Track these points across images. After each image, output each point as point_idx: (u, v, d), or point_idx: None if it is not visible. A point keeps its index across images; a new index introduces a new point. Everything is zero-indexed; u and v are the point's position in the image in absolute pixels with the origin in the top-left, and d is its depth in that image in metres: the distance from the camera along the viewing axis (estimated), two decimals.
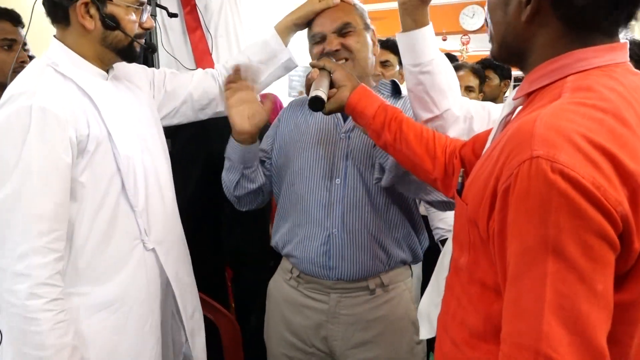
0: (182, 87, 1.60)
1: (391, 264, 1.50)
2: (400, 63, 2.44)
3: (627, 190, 0.67)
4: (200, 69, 1.69)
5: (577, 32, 0.80)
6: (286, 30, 1.63)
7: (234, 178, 1.57)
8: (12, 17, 1.57)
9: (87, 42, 1.29)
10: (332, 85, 1.31)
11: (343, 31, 1.46)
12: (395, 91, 1.59)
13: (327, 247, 1.48)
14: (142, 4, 1.32)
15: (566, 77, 0.80)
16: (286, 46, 1.65)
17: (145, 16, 1.35)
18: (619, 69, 0.79)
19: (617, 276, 0.69)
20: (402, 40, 1.32)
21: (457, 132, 1.33)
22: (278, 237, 1.60)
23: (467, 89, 2.85)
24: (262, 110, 1.51)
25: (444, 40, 8.83)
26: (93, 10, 1.25)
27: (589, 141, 0.67)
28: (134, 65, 1.51)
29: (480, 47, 8.12)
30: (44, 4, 1.27)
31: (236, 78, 1.54)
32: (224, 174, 1.61)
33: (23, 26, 1.60)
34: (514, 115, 0.93)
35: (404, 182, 1.39)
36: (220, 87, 1.64)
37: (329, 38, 1.46)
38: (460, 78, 2.64)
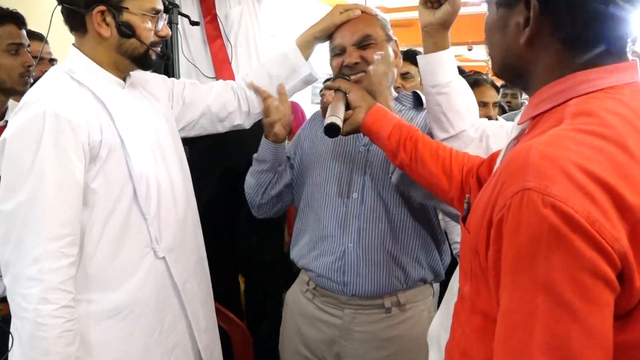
0: (201, 99, 1.59)
1: (409, 283, 1.46)
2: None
3: (627, 225, 0.62)
4: (220, 81, 1.69)
5: (579, 53, 0.76)
6: (307, 44, 1.62)
7: (267, 179, 1.58)
8: (17, 20, 1.56)
9: (103, 49, 1.29)
10: (347, 105, 1.31)
11: (363, 44, 1.43)
12: (417, 102, 1.56)
13: (342, 262, 1.45)
14: (157, 12, 1.32)
15: (568, 100, 0.75)
16: (307, 60, 1.64)
17: (161, 24, 1.34)
18: (626, 90, 0.74)
19: (619, 315, 0.64)
20: (422, 62, 1.35)
21: (474, 152, 1.30)
22: (296, 250, 1.59)
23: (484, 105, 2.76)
24: (286, 108, 1.55)
25: (470, 50, 8.77)
26: (109, 18, 1.26)
27: (585, 172, 0.63)
28: (154, 75, 1.52)
29: None
30: (62, 12, 1.28)
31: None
32: (251, 180, 1.61)
33: (27, 27, 1.60)
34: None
35: (414, 184, 1.36)
36: (239, 100, 1.64)
37: (348, 50, 1.44)
38: (480, 93, 2.57)
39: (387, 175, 1.44)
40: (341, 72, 1.45)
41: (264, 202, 1.62)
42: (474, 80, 2.67)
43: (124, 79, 1.37)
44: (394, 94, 1.56)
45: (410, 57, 2.48)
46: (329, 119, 1.24)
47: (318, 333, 1.51)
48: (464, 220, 0.89)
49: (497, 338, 0.69)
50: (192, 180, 1.54)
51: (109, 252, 1.26)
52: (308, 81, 1.68)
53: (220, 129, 1.66)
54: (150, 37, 1.32)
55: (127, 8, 1.26)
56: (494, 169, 0.92)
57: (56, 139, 1.15)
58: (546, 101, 0.79)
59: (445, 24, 1.30)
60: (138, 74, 1.43)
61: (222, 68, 2.02)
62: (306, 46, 1.62)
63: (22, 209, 1.14)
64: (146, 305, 1.33)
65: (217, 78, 1.99)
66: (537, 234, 0.63)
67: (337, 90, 1.33)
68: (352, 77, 1.41)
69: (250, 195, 1.63)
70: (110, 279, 1.27)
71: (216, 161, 2.08)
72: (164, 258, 1.36)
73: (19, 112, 1.17)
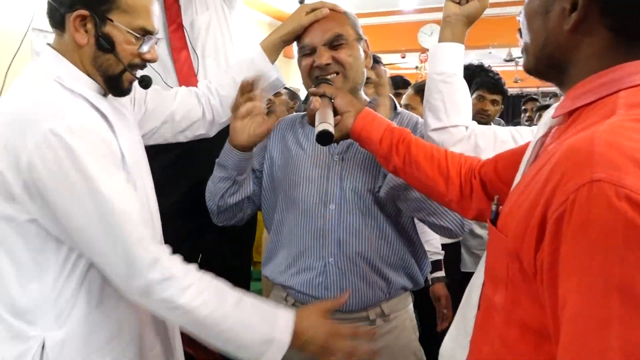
0: (164, 106, 1.49)
1: (392, 292, 1.45)
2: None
3: None
4: (183, 87, 1.59)
5: (629, 42, 0.73)
6: (273, 47, 1.55)
7: (225, 186, 1.49)
8: None
9: (79, 56, 1.17)
10: (335, 111, 1.27)
11: (334, 44, 1.39)
12: (393, 108, 1.55)
13: (323, 277, 1.42)
14: (146, 33, 1.20)
15: (617, 92, 0.71)
16: (273, 64, 1.58)
17: (148, 47, 1.21)
18: None
19: None
20: (434, 49, 1.36)
21: (463, 149, 1.31)
22: (271, 267, 1.53)
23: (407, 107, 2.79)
24: (264, 126, 1.42)
25: (403, 57, 9.01)
26: (90, 25, 1.14)
27: None
28: None
29: None
30: (47, 4, 1.18)
31: (246, 98, 1.43)
32: (210, 185, 1.53)
33: None
34: (549, 137, 0.87)
35: (404, 198, 1.35)
36: (204, 108, 1.55)
37: (319, 51, 1.39)
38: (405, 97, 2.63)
39: (364, 183, 1.42)
40: (312, 74, 1.41)
41: (222, 209, 1.53)
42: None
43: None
44: (366, 98, 1.54)
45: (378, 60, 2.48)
46: (320, 127, 1.19)
47: (300, 350, 1.48)
48: (494, 222, 0.84)
49: (562, 348, 0.62)
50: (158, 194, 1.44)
51: (96, 284, 1.17)
52: (275, 86, 1.62)
53: (182, 138, 1.57)
54: (130, 58, 1.19)
55: (112, 20, 1.14)
56: (521, 169, 0.90)
57: (94, 153, 1.07)
58: (590, 93, 0.74)
59: (469, 19, 1.33)
60: None
61: (188, 82, 1.88)
62: (272, 50, 1.56)
63: (105, 226, 1.07)
64: (134, 332, 1.24)
65: None
66: (611, 229, 0.58)
67: (322, 96, 1.29)
68: (329, 77, 1.38)
69: (208, 201, 1.55)
70: (95, 311, 1.17)
71: (181, 171, 1.99)
72: None
73: (27, 134, 1.03)
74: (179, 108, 1.51)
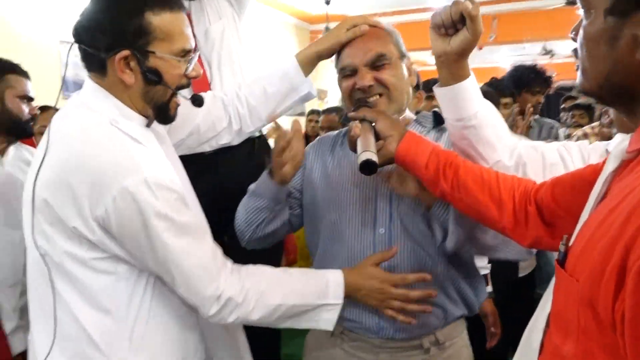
0: (189, 118, 1.46)
1: (448, 319, 1.36)
2: (417, 87, 2.32)
3: None
4: (209, 93, 1.54)
5: None
6: (308, 61, 1.50)
7: (262, 217, 1.41)
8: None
9: (126, 95, 1.15)
10: (377, 136, 1.19)
11: (377, 64, 1.30)
12: (438, 122, 1.45)
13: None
14: (187, 52, 1.17)
15: None
16: (306, 77, 1.52)
17: (192, 66, 1.19)
18: None
19: None
20: (441, 94, 1.20)
21: None
22: None
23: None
24: (300, 147, 1.35)
25: (433, 54, 8.86)
26: (133, 64, 1.11)
27: None
28: None
29: (470, 61, 8.17)
30: (79, 49, 1.13)
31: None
32: (243, 213, 1.44)
33: None
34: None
35: (473, 243, 1.27)
36: (230, 118, 1.51)
37: (360, 72, 1.31)
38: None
39: (416, 206, 1.32)
40: (353, 96, 1.33)
41: (256, 237, 1.46)
42: None
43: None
44: (412, 115, 1.45)
45: None
46: (362, 156, 1.11)
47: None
48: (562, 264, 0.77)
49: None
50: None
51: (164, 310, 1.20)
52: (306, 99, 1.57)
53: (207, 148, 1.54)
54: (178, 81, 1.17)
55: (154, 52, 1.11)
56: (589, 204, 0.81)
57: (164, 205, 1.09)
58: None
59: (462, 53, 1.13)
60: None
61: (201, 92, 1.87)
62: (307, 63, 1.51)
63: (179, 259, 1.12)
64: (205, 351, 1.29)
65: None
66: None
67: (362, 120, 1.21)
68: (370, 100, 1.30)
69: (241, 230, 1.47)
70: (165, 337, 1.20)
71: (205, 185, 1.92)
72: None
73: (91, 187, 1.05)
74: (205, 119, 1.48)
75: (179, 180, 1.19)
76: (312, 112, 5.56)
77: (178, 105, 1.21)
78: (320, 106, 8.76)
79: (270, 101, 1.50)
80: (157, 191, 1.07)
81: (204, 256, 1.16)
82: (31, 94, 1.81)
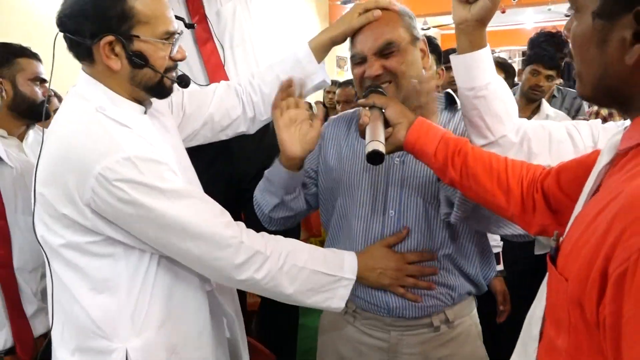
0: (203, 108, 1.46)
1: (456, 298, 1.38)
2: (438, 61, 2.29)
3: None
4: (222, 83, 1.54)
5: None
6: (322, 47, 1.48)
7: (272, 202, 1.44)
8: None
9: (115, 80, 1.17)
10: (386, 122, 1.19)
11: (385, 51, 1.29)
12: (450, 103, 1.44)
13: None
14: (171, 34, 1.18)
15: None
16: (320, 64, 1.51)
17: (176, 48, 1.20)
18: None
19: None
20: (456, 62, 1.21)
21: (515, 157, 1.21)
22: None
23: None
24: (314, 130, 1.35)
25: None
26: (118, 49, 1.13)
27: None
28: None
29: (494, 23, 7.93)
30: (65, 39, 1.14)
31: (285, 95, 1.37)
32: (259, 194, 1.48)
33: None
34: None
35: (476, 218, 1.26)
36: (244, 105, 1.51)
37: (369, 61, 1.30)
38: None
39: (428, 187, 1.34)
40: (363, 83, 1.33)
41: (274, 218, 1.49)
42: None
43: (143, 105, 1.25)
44: (435, 94, 1.43)
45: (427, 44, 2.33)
46: (370, 145, 1.11)
47: (363, 358, 1.43)
48: (553, 260, 0.77)
49: None
50: None
51: (164, 288, 1.20)
52: (319, 87, 1.55)
53: (223, 137, 1.54)
54: (165, 64, 1.18)
55: (138, 36, 1.12)
56: (582, 197, 0.81)
57: (148, 178, 1.09)
58: None
59: (482, 20, 1.15)
60: None
61: (216, 74, 1.86)
62: (320, 50, 1.49)
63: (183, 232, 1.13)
64: (198, 339, 1.27)
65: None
66: None
67: (372, 107, 1.21)
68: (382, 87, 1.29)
69: (259, 213, 1.50)
70: (167, 315, 1.21)
71: (222, 174, 1.95)
72: (212, 291, 1.30)
73: (73, 175, 1.07)
74: (218, 107, 1.48)
75: (177, 168, 1.21)
76: (332, 82, 5.46)
77: (173, 80, 1.22)
78: (341, 74, 8.69)
79: None
80: (142, 165, 1.08)
81: (213, 212, 1.17)
82: (43, 76, 1.82)
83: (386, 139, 1.16)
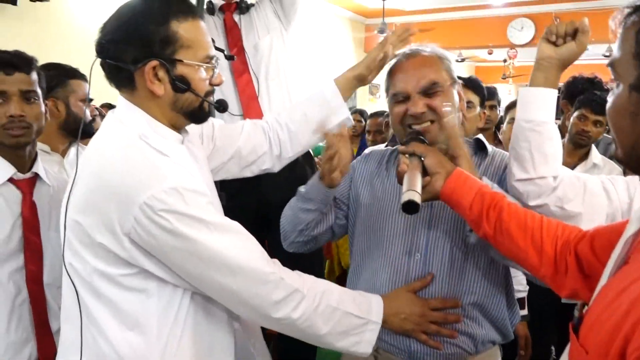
0: (231, 142, 1.48)
1: (479, 347, 1.36)
2: (481, 104, 2.32)
3: None
4: (248, 121, 1.55)
5: None
6: (347, 85, 1.51)
7: (310, 218, 1.46)
8: (3, 65, 1.41)
9: (156, 106, 1.15)
10: (424, 170, 1.20)
11: (429, 91, 1.31)
12: (480, 148, 1.45)
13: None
14: (212, 58, 1.19)
15: None
16: (345, 102, 1.54)
17: (217, 71, 1.22)
18: None
19: None
20: (525, 93, 1.26)
21: (548, 200, 1.23)
22: None
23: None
24: (347, 153, 1.38)
25: (490, 53, 8.66)
26: (162, 74, 1.11)
27: None
28: None
29: (528, 59, 7.90)
30: (102, 66, 1.13)
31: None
32: (290, 214, 1.49)
33: (27, 73, 1.45)
34: None
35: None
36: (271, 143, 1.52)
37: (413, 99, 1.31)
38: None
39: (454, 232, 1.33)
40: (404, 121, 1.34)
41: (300, 240, 1.50)
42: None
43: (180, 133, 1.24)
44: (467, 139, 1.45)
45: (472, 85, 2.32)
46: (407, 195, 1.12)
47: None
48: (576, 330, 0.77)
49: None
50: None
51: (194, 326, 1.17)
52: (342, 124, 1.54)
53: (248, 173, 1.54)
54: (205, 88, 1.18)
55: (182, 60, 1.12)
56: (609, 265, 0.80)
57: (191, 209, 1.07)
58: None
59: (565, 62, 1.23)
60: None
61: (250, 105, 1.93)
62: (346, 87, 1.52)
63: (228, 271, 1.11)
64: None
65: (244, 116, 1.90)
66: None
67: (411, 155, 1.22)
68: (420, 127, 1.31)
69: (286, 231, 1.51)
70: (195, 354, 1.17)
71: (246, 200, 1.97)
72: (239, 330, 1.29)
73: (115, 205, 1.05)
74: (245, 143, 1.49)
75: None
76: (356, 111, 4.95)
77: (211, 105, 1.22)
78: (373, 101, 8.74)
79: (310, 125, 1.51)
80: (188, 196, 1.06)
81: (254, 248, 1.15)
82: (90, 96, 1.88)
83: (423, 187, 1.17)
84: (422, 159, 1.21)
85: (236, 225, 1.15)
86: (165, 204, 1.03)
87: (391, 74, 1.40)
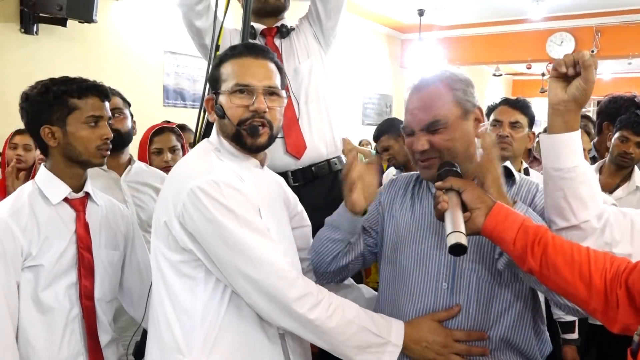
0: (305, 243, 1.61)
1: None
2: (530, 125, 2.29)
3: None
4: None
5: None
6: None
7: (338, 248, 1.46)
8: (99, 92, 1.54)
9: (219, 129, 1.39)
10: (462, 204, 1.19)
11: (432, 128, 1.31)
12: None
13: None
14: (242, 85, 1.33)
15: None
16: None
17: (254, 99, 1.33)
18: None
19: None
20: (547, 142, 1.22)
21: (595, 245, 1.18)
22: None
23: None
24: (373, 180, 1.41)
25: (529, 68, 8.53)
26: (212, 103, 1.39)
27: None
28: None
29: None
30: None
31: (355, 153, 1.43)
32: (319, 246, 1.49)
33: (109, 100, 1.60)
34: None
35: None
36: None
37: (416, 135, 1.33)
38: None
39: (481, 261, 1.32)
40: (413, 154, 1.37)
41: (330, 270, 1.50)
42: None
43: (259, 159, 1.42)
44: (478, 159, 1.41)
45: (520, 106, 2.30)
46: (453, 237, 1.11)
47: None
48: (634, 354, 0.78)
49: None
50: None
51: (233, 321, 1.28)
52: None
53: None
54: (239, 116, 1.33)
55: (220, 92, 1.36)
56: None
57: (231, 203, 1.24)
58: None
59: (578, 102, 1.17)
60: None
61: (291, 128, 1.96)
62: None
63: (252, 258, 1.23)
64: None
65: (285, 138, 1.95)
66: None
67: (448, 190, 1.21)
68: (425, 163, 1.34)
69: (316, 262, 1.51)
70: (237, 346, 1.28)
71: None
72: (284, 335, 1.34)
73: (175, 188, 1.28)
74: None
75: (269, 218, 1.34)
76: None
77: (248, 133, 1.34)
78: None
79: None
80: (226, 189, 1.24)
81: (276, 248, 1.26)
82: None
83: (464, 222, 1.16)
84: (460, 192, 1.20)
85: (265, 229, 1.28)
86: (205, 192, 1.22)
87: (405, 104, 1.41)
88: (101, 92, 1.55)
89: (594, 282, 1.05)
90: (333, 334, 1.23)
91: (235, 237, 1.22)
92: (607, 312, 1.04)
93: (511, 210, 1.18)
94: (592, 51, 7.17)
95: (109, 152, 1.58)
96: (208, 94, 1.43)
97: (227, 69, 1.36)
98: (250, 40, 2.10)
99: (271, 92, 1.35)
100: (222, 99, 1.35)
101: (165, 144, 2.52)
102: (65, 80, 1.50)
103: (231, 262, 1.22)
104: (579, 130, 1.20)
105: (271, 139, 1.38)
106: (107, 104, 1.58)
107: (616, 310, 1.02)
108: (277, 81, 1.38)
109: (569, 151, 1.19)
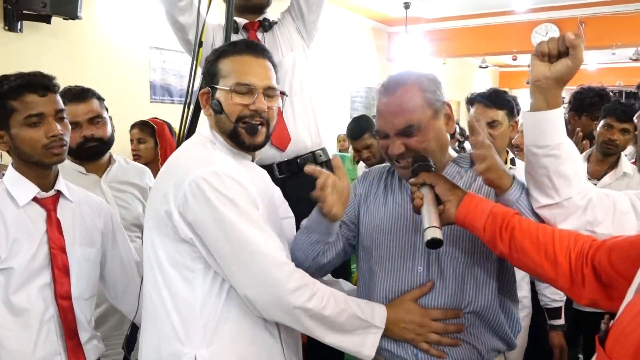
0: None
1: (485, 356, 1.38)
2: (508, 115, 2.25)
3: None
4: None
5: None
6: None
7: (317, 250, 1.46)
8: (35, 88, 1.41)
9: (214, 123, 1.41)
10: (437, 198, 1.25)
11: (406, 132, 1.33)
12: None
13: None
14: (243, 85, 1.34)
15: None
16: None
17: (254, 98, 1.35)
18: None
19: None
20: (529, 119, 1.21)
21: (577, 223, 1.20)
22: None
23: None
24: (345, 182, 1.38)
25: (514, 59, 8.60)
26: (207, 97, 1.40)
27: None
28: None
29: None
30: None
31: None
32: (298, 247, 1.48)
33: (55, 92, 1.47)
34: None
35: None
36: None
37: (391, 139, 1.35)
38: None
39: (456, 244, 1.36)
40: (389, 157, 1.39)
41: (311, 271, 1.46)
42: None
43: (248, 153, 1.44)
44: (453, 154, 1.48)
45: (496, 101, 2.24)
46: (430, 232, 1.18)
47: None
48: (602, 342, 0.79)
49: None
50: None
51: (232, 314, 1.30)
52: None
53: None
54: (238, 112, 1.35)
55: (217, 87, 1.37)
56: (635, 283, 0.82)
57: (230, 193, 1.26)
58: None
59: (562, 79, 1.16)
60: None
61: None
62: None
63: (246, 246, 1.25)
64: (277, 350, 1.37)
65: None
66: None
67: (422, 185, 1.26)
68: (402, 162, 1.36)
69: (298, 261, 1.48)
70: (236, 335, 1.31)
71: None
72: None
73: (176, 178, 1.28)
74: None
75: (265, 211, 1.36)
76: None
77: (246, 132, 1.36)
78: None
79: None
80: (227, 180, 1.26)
81: (274, 239, 1.28)
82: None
83: (439, 214, 1.21)
84: (433, 186, 1.25)
85: (263, 222, 1.29)
86: (207, 182, 1.24)
87: (377, 106, 1.42)
88: (38, 87, 1.43)
89: (559, 262, 1.09)
90: (327, 322, 1.27)
91: (235, 228, 1.23)
92: (573, 289, 1.09)
93: (482, 199, 1.23)
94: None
95: (64, 148, 1.48)
96: (202, 87, 1.43)
97: (227, 66, 1.36)
98: (233, 35, 2.12)
99: (270, 92, 1.38)
100: (221, 95, 1.36)
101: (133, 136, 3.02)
102: (1, 80, 1.43)
103: (230, 253, 1.24)
104: (561, 107, 1.20)
105: (267, 138, 1.41)
106: (53, 96, 1.47)
107: (582, 287, 1.07)
108: (274, 81, 1.41)
109: (554, 128, 1.18)
